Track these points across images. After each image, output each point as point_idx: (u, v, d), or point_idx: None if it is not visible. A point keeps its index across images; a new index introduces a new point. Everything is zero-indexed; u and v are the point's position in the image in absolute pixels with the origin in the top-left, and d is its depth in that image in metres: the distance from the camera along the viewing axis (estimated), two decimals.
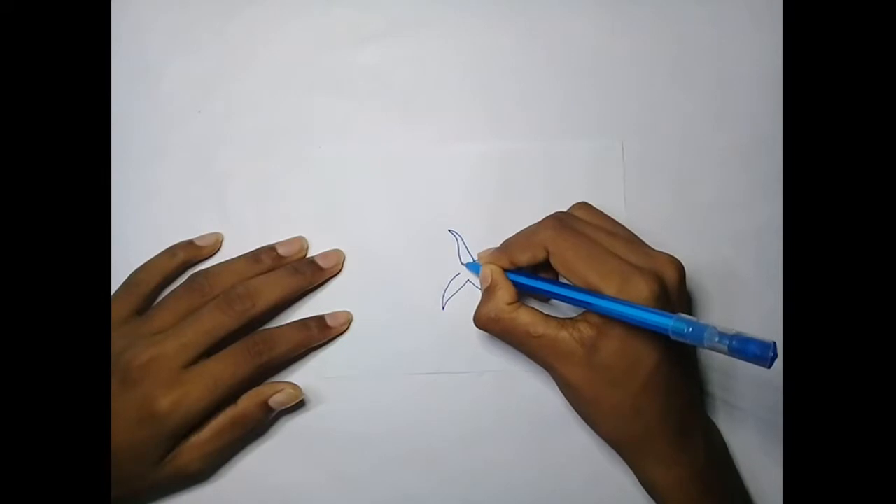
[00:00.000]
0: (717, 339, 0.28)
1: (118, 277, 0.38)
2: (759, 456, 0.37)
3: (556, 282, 0.35)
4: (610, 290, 0.32)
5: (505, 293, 0.35)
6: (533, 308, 0.34)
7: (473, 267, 0.38)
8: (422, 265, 0.39)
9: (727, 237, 0.39)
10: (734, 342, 0.28)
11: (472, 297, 0.38)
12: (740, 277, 0.39)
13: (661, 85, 0.40)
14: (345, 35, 0.41)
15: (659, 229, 0.38)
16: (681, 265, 0.34)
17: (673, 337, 0.29)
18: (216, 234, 0.39)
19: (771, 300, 0.38)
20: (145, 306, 0.37)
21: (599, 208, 0.37)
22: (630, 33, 0.41)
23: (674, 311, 0.30)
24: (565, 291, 0.33)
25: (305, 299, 0.38)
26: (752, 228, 0.39)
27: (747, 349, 0.28)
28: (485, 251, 0.37)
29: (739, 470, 0.37)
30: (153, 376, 0.33)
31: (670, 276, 0.33)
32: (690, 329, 0.29)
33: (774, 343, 0.27)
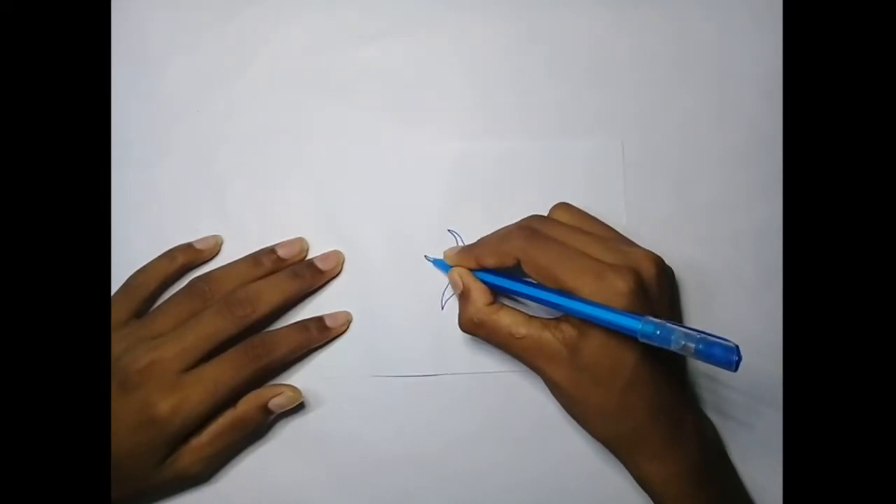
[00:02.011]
0: (683, 342, 0.28)
1: (118, 277, 0.38)
2: (758, 456, 0.37)
3: (528, 282, 0.34)
4: (584, 290, 0.31)
5: (480, 295, 0.34)
6: (514, 309, 0.34)
7: (439, 263, 0.38)
8: (421, 265, 0.39)
9: (727, 237, 0.39)
10: (700, 346, 0.28)
11: None
12: (740, 277, 0.39)
13: (661, 85, 0.40)
14: (345, 35, 0.41)
15: (659, 229, 0.38)
16: (659, 259, 0.33)
17: (641, 339, 0.29)
18: (215, 237, 0.39)
19: (771, 300, 0.38)
20: (144, 309, 0.37)
21: (600, 208, 0.37)
22: (630, 33, 0.40)
23: (654, 307, 0.30)
24: (537, 292, 0.33)
25: (305, 300, 0.38)
26: (752, 228, 0.39)
27: (712, 353, 0.27)
28: (450, 249, 0.37)
29: (738, 469, 0.37)
30: (153, 380, 0.33)
31: (648, 270, 0.32)
32: (658, 332, 0.28)
33: (737, 347, 0.27)
